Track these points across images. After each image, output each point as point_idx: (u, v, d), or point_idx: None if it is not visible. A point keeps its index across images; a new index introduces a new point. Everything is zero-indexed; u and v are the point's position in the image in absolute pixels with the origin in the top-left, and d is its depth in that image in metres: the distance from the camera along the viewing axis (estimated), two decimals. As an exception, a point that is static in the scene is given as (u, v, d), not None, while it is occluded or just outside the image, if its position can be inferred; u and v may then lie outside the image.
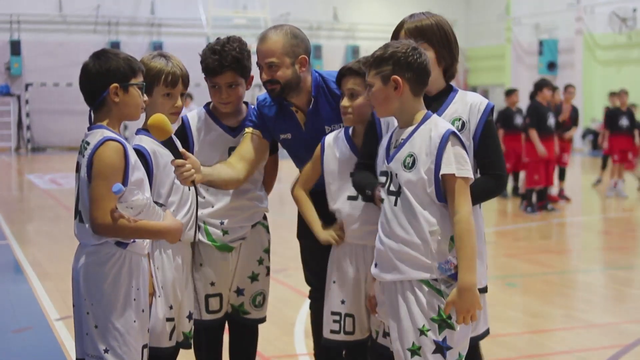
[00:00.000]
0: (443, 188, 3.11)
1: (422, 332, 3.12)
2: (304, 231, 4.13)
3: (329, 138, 3.87)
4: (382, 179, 3.27)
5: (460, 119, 3.40)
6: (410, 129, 3.20)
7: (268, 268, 4.31)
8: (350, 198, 3.74)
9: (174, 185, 3.70)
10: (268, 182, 4.35)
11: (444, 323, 3.12)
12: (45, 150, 28.00)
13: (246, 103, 4.25)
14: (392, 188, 3.20)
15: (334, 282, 3.82)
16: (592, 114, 26.64)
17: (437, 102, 3.46)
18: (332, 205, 3.82)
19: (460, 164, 3.09)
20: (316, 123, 3.98)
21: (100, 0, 28.88)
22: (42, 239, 10.43)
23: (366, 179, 3.51)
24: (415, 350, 3.14)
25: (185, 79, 3.81)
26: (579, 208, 14.29)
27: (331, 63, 30.03)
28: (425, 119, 3.20)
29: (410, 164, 3.14)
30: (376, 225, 3.60)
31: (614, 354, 5.56)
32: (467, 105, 3.43)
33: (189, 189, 3.75)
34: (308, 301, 4.39)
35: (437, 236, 3.12)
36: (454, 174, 3.08)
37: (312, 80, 4.00)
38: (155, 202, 3.69)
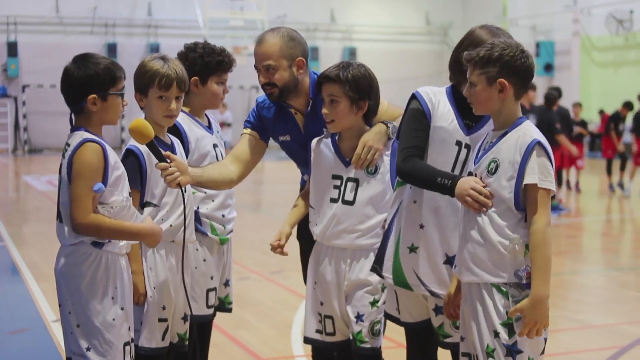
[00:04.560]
0: (523, 197, 3.08)
1: (496, 335, 3.13)
2: (303, 232, 4.14)
3: (313, 142, 3.88)
4: None
5: None
6: (501, 133, 3.17)
7: None
8: (332, 200, 3.76)
9: (167, 186, 3.70)
10: None
11: (512, 327, 3.11)
12: (42, 152, 27.99)
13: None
14: None
15: (315, 282, 3.86)
16: (589, 116, 26.65)
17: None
18: (311, 204, 3.85)
19: (543, 175, 3.06)
20: (315, 125, 3.98)
21: (97, 2, 28.88)
22: (38, 241, 10.42)
23: (429, 168, 3.35)
24: (490, 353, 3.14)
25: (181, 83, 3.79)
26: (577, 209, 14.30)
27: (328, 65, 29.72)
28: (515, 125, 3.15)
29: (493, 170, 3.12)
30: (356, 229, 3.69)
31: (612, 355, 5.56)
32: None
33: (183, 193, 3.75)
34: (305, 302, 4.39)
35: (514, 244, 3.10)
36: (536, 184, 3.05)
37: (310, 82, 4.00)
38: (149, 203, 3.72)
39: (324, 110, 3.71)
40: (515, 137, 3.12)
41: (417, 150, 3.39)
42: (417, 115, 3.44)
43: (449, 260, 3.43)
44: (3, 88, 28.16)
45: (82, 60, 3.35)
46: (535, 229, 3.05)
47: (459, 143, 3.41)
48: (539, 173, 3.05)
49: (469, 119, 3.43)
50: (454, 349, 3.58)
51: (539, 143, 3.08)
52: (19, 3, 28.05)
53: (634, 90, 24.36)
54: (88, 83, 3.29)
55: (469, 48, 3.30)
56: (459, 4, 33.09)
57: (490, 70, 3.12)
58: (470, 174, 3.25)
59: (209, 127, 4.31)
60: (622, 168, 16.28)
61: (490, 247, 3.11)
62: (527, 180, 3.05)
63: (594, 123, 26.05)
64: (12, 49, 28.01)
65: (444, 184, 3.24)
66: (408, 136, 3.43)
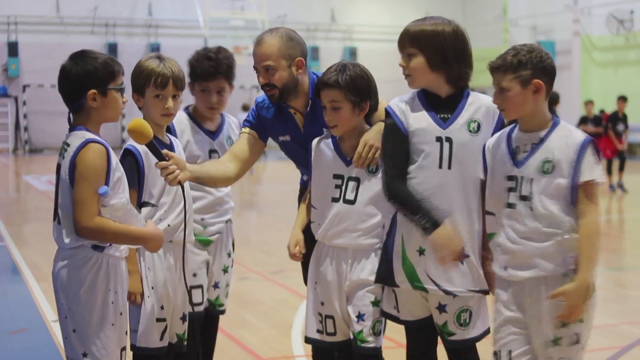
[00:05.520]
0: (577, 192, 3.24)
1: (563, 324, 3.27)
2: (303, 232, 4.14)
3: (314, 142, 3.88)
4: (510, 184, 3.34)
5: (475, 121, 3.50)
6: (541, 133, 3.30)
7: (233, 260, 4.57)
8: (334, 200, 3.75)
9: (165, 186, 3.70)
10: None
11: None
12: (43, 152, 28.00)
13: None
14: (524, 192, 3.30)
15: (316, 282, 3.86)
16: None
17: (449, 105, 3.52)
18: (313, 204, 3.87)
19: (597, 171, 3.25)
20: (314, 125, 3.98)
21: (98, 2, 28.88)
22: (39, 240, 10.42)
23: (414, 199, 3.46)
24: (555, 342, 3.29)
25: (177, 81, 3.79)
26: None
27: (328, 64, 29.62)
28: (555, 124, 3.32)
29: (550, 170, 3.25)
30: (357, 228, 3.70)
31: (612, 356, 5.56)
32: (481, 108, 3.52)
33: (183, 190, 3.75)
34: (305, 302, 4.38)
35: (572, 235, 3.25)
36: (592, 180, 3.23)
37: (310, 82, 4.00)
38: (146, 203, 3.71)
39: (327, 117, 3.71)
40: (563, 135, 3.28)
41: (400, 172, 3.49)
42: (393, 131, 3.54)
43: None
44: (3, 88, 28.17)
45: (79, 56, 3.30)
46: (591, 221, 3.22)
47: (439, 139, 3.47)
48: (594, 169, 3.24)
49: (444, 112, 3.51)
50: (457, 347, 3.59)
51: (592, 141, 3.26)
52: (19, 3, 28.05)
53: (633, 90, 24.36)
54: (87, 78, 3.24)
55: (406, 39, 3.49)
56: (459, 4, 33.08)
57: (523, 74, 3.25)
58: (511, 177, 3.33)
59: (213, 132, 4.33)
60: (621, 168, 16.29)
61: (558, 241, 3.25)
62: (585, 177, 3.22)
63: (595, 123, 26.00)
64: (13, 49, 28.02)
65: (422, 225, 3.37)
66: (390, 156, 3.54)
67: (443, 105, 3.51)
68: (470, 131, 3.48)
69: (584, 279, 3.21)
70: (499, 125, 3.52)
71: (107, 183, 3.20)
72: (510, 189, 3.33)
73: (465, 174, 3.48)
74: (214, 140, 4.32)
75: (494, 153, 3.42)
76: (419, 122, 3.50)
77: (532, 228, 3.27)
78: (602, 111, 24.73)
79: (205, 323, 4.48)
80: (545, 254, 3.26)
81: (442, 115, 3.50)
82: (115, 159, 3.28)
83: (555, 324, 3.27)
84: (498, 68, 3.28)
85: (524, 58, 3.25)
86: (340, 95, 3.66)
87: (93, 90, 3.24)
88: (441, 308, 3.55)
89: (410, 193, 3.45)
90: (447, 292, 3.50)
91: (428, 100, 3.54)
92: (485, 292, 3.57)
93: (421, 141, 3.49)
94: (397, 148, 3.53)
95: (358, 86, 3.67)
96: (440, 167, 3.47)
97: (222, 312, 4.54)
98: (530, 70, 3.24)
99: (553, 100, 13.61)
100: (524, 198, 3.29)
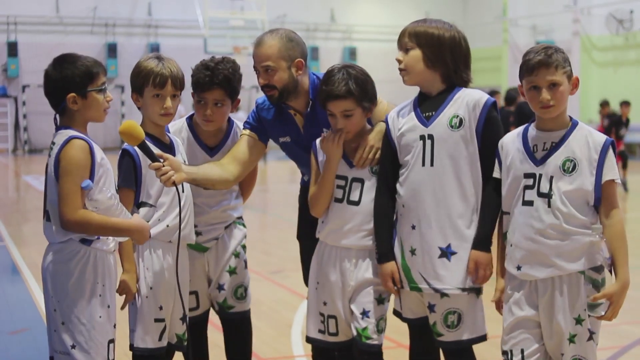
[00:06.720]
0: (600, 192, 3.28)
1: (578, 322, 3.30)
2: (304, 232, 4.14)
3: (318, 143, 3.86)
4: (528, 181, 3.34)
5: (457, 116, 3.50)
6: (561, 133, 3.32)
7: (245, 261, 4.36)
8: (337, 201, 3.76)
9: (164, 186, 3.69)
10: (245, 190, 4.43)
11: (592, 312, 3.32)
12: (42, 152, 27.98)
13: (230, 121, 4.28)
14: (542, 190, 3.30)
15: (318, 282, 3.85)
16: (588, 115, 26.69)
17: (436, 103, 3.54)
18: None
19: (616, 171, 3.30)
20: (314, 125, 3.98)
21: (98, 2, 28.87)
22: (38, 240, 10.35)
23: (379, 224, 3.64)
24: (571, 339, 3.32)
25: (176, 81, 3.78)
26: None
27: (328, 64, 29.62)
28: (574, 123, 3.34)
29: (571, 169, 3.28)
30: (362, 229, 3.71)
31: (612, 355, 5.56)
32: (464, 102, 3.52)
33: (183, 191, 3.75)
34: (305, 302, 4.38)
35: (594, 233, 3.28)
36: (614, 180, 3.28)
37: (310, 83, 4.00)
38: (144, 203, 3.72)
39: (339, 126, 3.69)
40: (583, 135, 3.31)
41: (385, 184, 3.63)
42: (385, 139, 3.66)
43: (444, 253, 3.52)
44: (3, 88, 28.16)
45: (59, 62, 3.38)
46: (618, 221, 3.28)
47: (422, 137, 3.53)
48: (614, 169, 3.28)
49: (429, 110, 3.55)
50: (448, 348, 3.61)
51: (612, 142, 3.30)
52: (19, 3, 28.04)
53: (633, 89, 24.37)
54: (65, 83, 3.32)
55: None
56: (459, 4, 33.07)
57: (567, 69, 3.31)
58: (529, 175, 3.33)
59: (212, 148, 4.17)
60: (624, 166, 16.32)
61: (575, 240, 3.27)
62: (608, 177, 3.26)
63: (594, 123, 26.05)
64: (12, 49, 28.00)
65: (375, 251, 3.66)
66: (381, 165, 3.68)
67: (431, 103, 3.55)
68: (451, 127, 3.50)
69: (626, 279, 3.27)
70: (483, 119, 3.50)
71: (91, 177, 3.27)
72: (527, 187, 3.34)
73: (448, 170, 3.50)
74: (211, 157, 4.14)
75: (508, 152, 3.42)
76: (407, 123, 3.57)
77: (549, 224, 3.27)
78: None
79: (229, 327, 4.37)
80: (561, 252, 3.27)
81: (426, 114, 3.55)
82: (100, 155, 3.34)
83: (570, 322, 3.29)
84: (549, 64, 3.27)
85: (561, 56, 3.30)
86: (353, 104, 3.66)
87: (72, 94, 3.32)
88: (431, 308, 3.59)
89: (383, 214, 3.62)
90: (436, 290, 3.53)
91: (419, 101, 3.59)
92: (478, 291, 3.58)
93: (408, 141, 3.55)
94: (386, 157, 3.65)
95: (366, 91, 3.69)
96: (423, 164, 3.52)
97: (235, 314, 4.30)
98: (569, 67, 3.31)
99: (510, 100, 13.99)
100: (542, 195, 3.29)
